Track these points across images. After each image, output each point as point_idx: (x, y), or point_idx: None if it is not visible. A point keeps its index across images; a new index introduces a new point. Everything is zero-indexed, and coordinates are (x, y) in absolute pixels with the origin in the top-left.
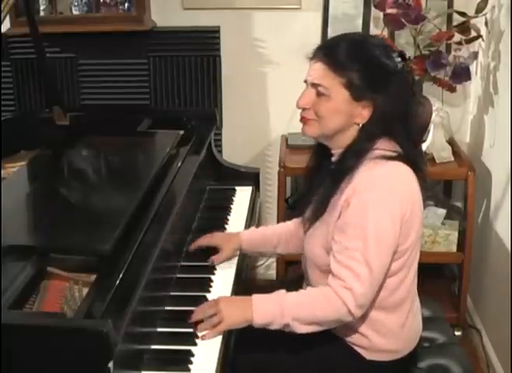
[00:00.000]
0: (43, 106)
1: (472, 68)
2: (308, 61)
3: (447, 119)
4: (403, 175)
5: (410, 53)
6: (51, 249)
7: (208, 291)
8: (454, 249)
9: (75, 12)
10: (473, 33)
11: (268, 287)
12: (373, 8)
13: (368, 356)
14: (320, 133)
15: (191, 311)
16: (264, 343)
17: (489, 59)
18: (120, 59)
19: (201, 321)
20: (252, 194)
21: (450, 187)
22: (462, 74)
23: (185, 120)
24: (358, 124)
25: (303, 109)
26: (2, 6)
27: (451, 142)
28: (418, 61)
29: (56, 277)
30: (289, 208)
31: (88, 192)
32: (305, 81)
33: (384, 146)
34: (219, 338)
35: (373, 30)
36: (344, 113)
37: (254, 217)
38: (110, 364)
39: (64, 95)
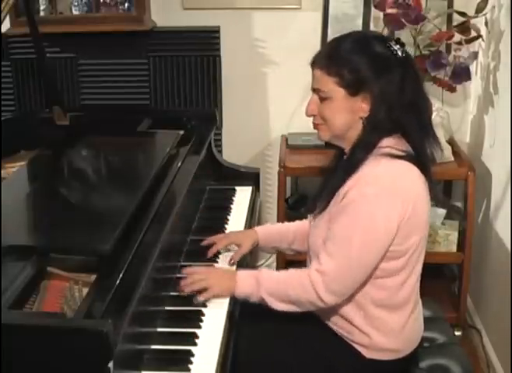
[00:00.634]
0: (43, 106)
1: (472, 68)
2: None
3: (447, 119)
4: (407, 175)
5: (410, 53)
6: (51, 249)
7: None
8: (454, 249)
9: (75, 12)
10: (473, 33)
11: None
12: (373, 8)
13: (368, 355)
14: (331, 135)
15: (191, 312)
16: (265, 342)
17: (489, 59)
18: (120, 59)
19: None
20: (252, 194)
21: (450, 187)
22: (462, 74)
23: (185, 120)
24: (362, 118)
25: (313, 117)
26: (2, 6)
27: (451, 142)
28: (418, 60)
29: (56, 277)
30: (289, 208)
31: (88, 192)
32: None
33: (392, 144)
34: (219, 338)
35: (373, 30)
36: (346, 111)
37: (254, 217)
38: (110, 364)
39: (64, 95)
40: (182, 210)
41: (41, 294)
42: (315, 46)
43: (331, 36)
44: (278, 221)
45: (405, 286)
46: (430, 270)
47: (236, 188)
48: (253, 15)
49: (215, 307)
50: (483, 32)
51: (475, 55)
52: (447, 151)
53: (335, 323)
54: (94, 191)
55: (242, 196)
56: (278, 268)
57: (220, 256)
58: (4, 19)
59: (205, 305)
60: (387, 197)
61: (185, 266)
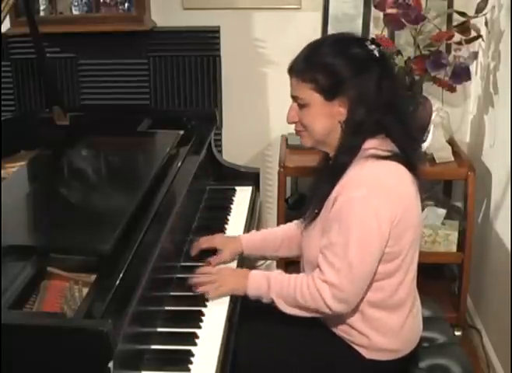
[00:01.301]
0: (43, 106)
1: (472, 68)
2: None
3: (447, 119)
4: (394, 175)
5: (410, 53)
6: (51, 249)
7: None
8: (454, 249)
9: (75, 12)
10: (473, 33)
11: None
12: (373, 8)
13: (368, 355)
14: (313, 141)
15: (191, 312)
16: (265, 342)
17: (489, 59)
18: (120, 59)
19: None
20: (252, 194)
21: (450, 187)
22: (462, 74)
23: (185, 120)
24: (340, 122)
25: (295, 124)
26: (2, 6)
27: (451, 142)
28: (418, 60)
29: (56, 277)
30: (289, 208)
31: (88, 192)
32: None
33: (377, 145)
34: (219, 338)
35: (373, 30)
36: (324, 116)
37: (254, 217)
38: (110, 364)
39: (64, 95)
40: (182, 210)
41: (41, 294)
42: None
43: None
44: (279, 221)
45: (401, 287)
46: (430, 270)
47: (236, 188)
48: (253, 15)
49: (215, 307)
50: (483, 32)
51: (475, 55)
52: (447, 151)
53: (334, 325)
54: (94, 191)
55: (242, 196)
56: (278, 268)
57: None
58: (4, 19)
59: (205, 305)
60: (376, 199)
61: (185, 266)
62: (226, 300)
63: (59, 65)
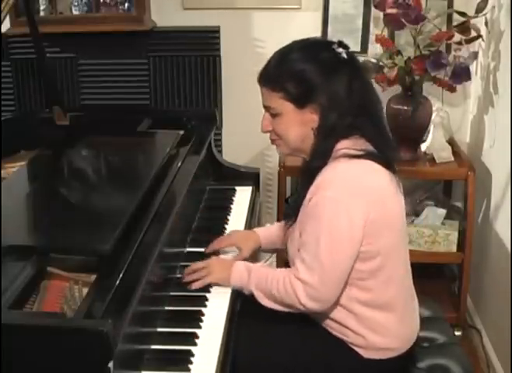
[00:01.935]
0: (43, 106)
1: (472, 68)
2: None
3: (447, 119)
4: (368, 173)
5: (410, 53)
6: (51, 249)
7: (209, 291)
8: (454, 249)
9: (75, 12)
10: (473, 33)
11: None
12: (373, 8)
13: (366, 355)
14: (289, 148)
15: (191, 312)
16: (265, 342)
17: (489, 59)
18: (120, 59)
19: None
20: (252, 194)
21: (450, 187)
22: (462, 74)
23: (185, 120)
24: (313, 129)
25: (269, 133)
26: (2, 6)
27: (451, 142)
28: (418, 60)
29: (56, 277)
30: None
31: (88, 192)
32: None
33: (349, 145)
34: (219, 338)
35: (373, 30)
36: (297, 124)
37: (254, 217)
38: (110, 364)
39: (64, 95)
40: (182, 210)
41: (41, 294)
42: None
43: (331, 36)
44: (279, 221)
45: (390, 285)
46: (430, 270)
47: (236, 188)
48: (253, 15)
49: (215, 307)
50: (483, 32)
51: (475, 55)
52: (447, 151)
53: (330, 326)
54: (94, 191)
55: (242, 196)
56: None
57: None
58: (4, 19)
59: (205, 305)
60: (348, 198)
61: (185, 266)
62: (226, 300)
63: (59, 65)
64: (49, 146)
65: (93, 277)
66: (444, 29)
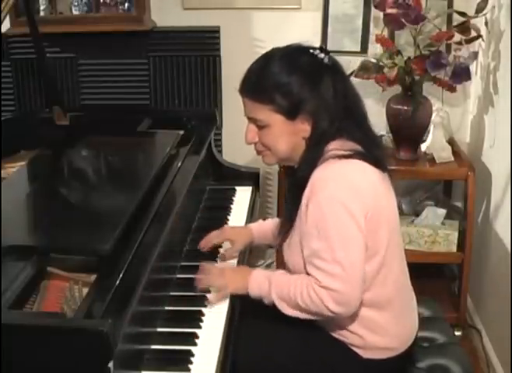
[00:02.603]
0: (43, 106)
1: (472, 68)
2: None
3: (447, 119)
4: (358, 170)
5: (410, 53)
6: (51, 249)
7: (209, 291)
8: (454, 249)
9: (75, 12)
10: (473, 33)
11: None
12: (373, 8)
13: (364, 355)
14: (276, 159)
15: (191, 312)
16: (263, 344)
17: (489, 59)
18: (120, 59)
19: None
20: (252, 194)
21: (450, 187)
22: (462, 74)
23: (185, 120)
24: (305, 138)
25: (254, 144)
26: (2, 6)
27: (451, 142)
28: (418, 60)
29: (56, 277)
30: None
31: (88, 192)
32: (245, 115)
33: (338, 146)
34: (219, 338)
35: (373, 30)
36: (287, 135)
37: (254, 218)
38: (110, 364)
39: (64, 95)
40: (182, 210)
41: (41, 294)
42: (315, 46)
43: (331, 36)
44: None
45: (387, 284)
46: (430, 270)
47: (236, 188)
48: (253, 15)
49: (215, 307)
50: (483, 32)
51: (475, 55)
52: (447, 151)
53: (329, 327)
54: (94, 191)
55: (242, 196)
56: (277, 268)
57: (219, 254)
58: (4, 19)
59: (205, 305)
60: (341, 193)
61: (185, 266)
62: (226, 300)
63: (59, 65)
64: (49, 146)
65: (93, 277)
66: (444, 29)
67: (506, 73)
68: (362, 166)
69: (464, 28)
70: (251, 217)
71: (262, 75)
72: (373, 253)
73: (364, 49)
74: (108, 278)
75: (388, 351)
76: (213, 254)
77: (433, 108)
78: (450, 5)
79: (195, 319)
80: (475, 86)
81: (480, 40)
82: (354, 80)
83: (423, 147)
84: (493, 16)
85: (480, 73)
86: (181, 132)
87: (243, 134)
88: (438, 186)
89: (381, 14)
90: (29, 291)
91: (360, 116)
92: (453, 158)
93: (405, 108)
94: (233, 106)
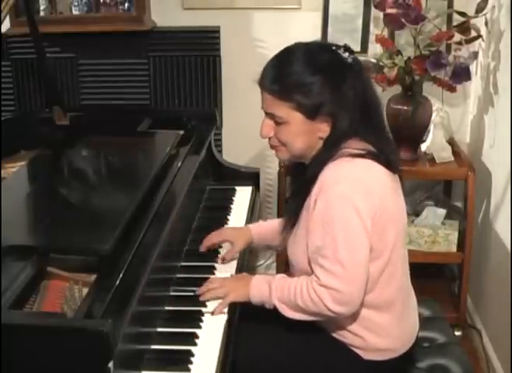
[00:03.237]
0: (43, 106)
1: (472, 68)
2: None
3: (447, 119)
4: (370, 171)
5: (410, 53)
6: (51, 249)
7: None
8: (454, 249)
9: (75, 12)
10: (473, 33)
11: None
12: (373, 8)
13: (365, 356)
14: (290, 155)
15: (191, 312)
16: (263, 344)
17: (489, 59)
18: (120, 59)
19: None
20: (252, 194)
21: (450, 187)
22: (462, 74)
23: (185, 120)
24: (322, 138)
25: (269, 138)
26: (2, 6)
27: (451, 142)
28: (418, 60)
29: (56, 277)
30: None
31: (88, 192)
32: (262, 108)
33: (351, 145)
34: (219, 338)
35: (373, 30)
36: (305, 133)
37: (254, 218)
38: (110, 364)
39: (64, 95)
40: (182, 210)
41: (41, 294)
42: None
43: (331, 36)
44: None
45: (390, 285)
46: (430, 270)
47: (236, 188)
48: (253, 15)
49: (215, 307)
50: (483, 32)
51: (475, 55)
52: (447, 151)
53: (329, 328)
54: (94, 191)
55: (242, 196)
56: (278, 268)
57: (220, 255)
58: (4, 19)
59: (205, 305)
60: (353, 194)
61: (185, 266)
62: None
63: (59, 65)
64: (49, 146)
65: (93, 277)
66: (444, 29)
67: (506, 73)
68: (373, 166)
69: (464, 28)
70: (251, 217)
71: (284, 73)
72: (377, 255)
73: (364, 49)
74: (108, 278)
75: (389, 352)
76: (213, 255)
77: (433, 108)
78: (450, 5)
79: (195, 319)
80: (475, 86)
81: (480, 40)
82: None
83: (423, 147)
84: (493, 16)
85: (480, 73)
86: (181, 132)
87: (243, 134)
88: (438, 186)
89: (381, 14)
90: (29, 291)
91: (377, 117)
92: (453, 158)
93: (405, 108)
94: (233, 106)
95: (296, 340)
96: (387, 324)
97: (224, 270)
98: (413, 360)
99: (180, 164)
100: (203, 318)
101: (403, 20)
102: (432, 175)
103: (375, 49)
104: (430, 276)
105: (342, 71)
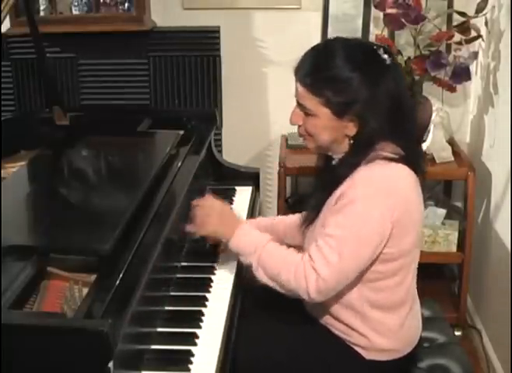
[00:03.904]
0: (43, 106)
1: (472, 68)
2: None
3: (447, 119)
4: (403, 178)
5: (410, 53)
6: (51, 249)
7: (208, 291)
8: (454, 249)
9: (75, 12)
10: (473, 33)
11: (268, 286)
12: (373, 8)
13: (367, 356)
14: (316, 146)
15: (191, 312)
16: (264, 343)
17: (489, 59)
18: (120, 59)
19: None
20: (252, 194)
21: (450, 187)
22: (462, 74)
23: (185, 120)
24: (348, 136)
25: (298, 126)
26: (2, 6)
27: (451, 142)
28: (418, 60)
29: (56, 277)
30: (289, 208)
31: (88, 192)
32: (295, 96)
33: (385, 148)
34: (219, 338)
35: (373, 30)
36: (331, 129)
37: (253, 217)
38: (110, 364)
39: (64, 95)
40: (182, 210)
41: (41, 294)
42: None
43: (331, 36)
44: None
45: (401, 287)
46: (430, 270)
47: (236, 188)
48: (253, 15)
49: (215, 307)
50: (483, 32)
51: (475, 55)
52: (447, 151)
53: (333, 326)
54: (94, 191)
55: (242, 196)
56: None
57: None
58: (4, 19)
59: (205, 305)
60: (382, 198)
61: (185, 266)
62: (226, 300)
63: (59, 65)
64: (49, 146)
65: (93, 277)
66: (444, 29)
67: (506, 73)
68: (405, 171)
69: (464, 28)
70: (251, 217)
71: (320, 67)
72: (394, 257)
73: None
74: (108, 278)
75: (392, 353)
76: (213, 254)
77: (433, 108)
78: (450, 5)
79: (195, 319)
80: (475, 86)
81: (480, 40)
82: None
83: (423, 147)
84: (493, 16)
85: (480, 73)
86: (181, 132)
87: (243, 134)
88: (438, 186)
89: (381, 14)
90: (29, 291)
91: (409, 121)
92: (453, 158)
93: None
94: (233, 106)
95: (296, 339)
96: (394, 325)
97: (224, 270)
98: (414, 360)
99: (180, 164)
100: (203, 318)
101: (403, 20)
102: (432, 175)
103: None
104: (430, 276)
105: (380, 73)
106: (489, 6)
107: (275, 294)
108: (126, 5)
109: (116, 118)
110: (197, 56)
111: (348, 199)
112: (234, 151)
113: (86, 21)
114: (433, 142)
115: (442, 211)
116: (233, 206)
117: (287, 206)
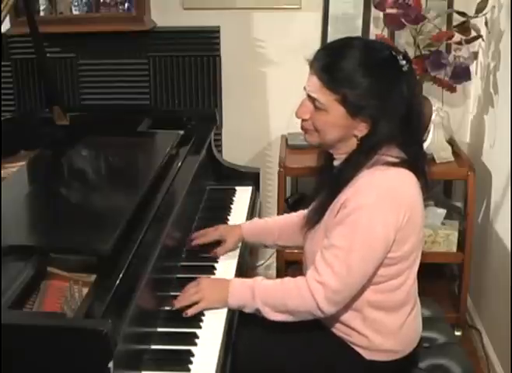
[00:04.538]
0: (43, 106)
1: (472, 68)
2: (307, 63)
3: (447, 119)
4: (404, 182)
5: (410, 53)
6: (51, 249)
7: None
8: (454, 249)
9: (75, 12)
10: (473, 33)
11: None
12: (373, 8)
13: (368, 356)
14: (320, 142)
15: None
16: (264, 344)
17: (489, 59)
18: (120, 59)
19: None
20: (252, 194)
21: (450, 187)
22: (462, 74)
23: (185, 120)
24: (357, 137)
25: (303, 120)
26: (2, 6)
27: (451, 142)
28: (418, 60)
29: (56, 277)
30: (289, 208)
31: (88, 192)
32: (304, 88)
33: (388, 152)
34: (219, 338)
35: (373, 30)
36: (341, 127)
37: (254, 218)
38: (110, 364)
39: (64, 95)
40: (182, 210)
41: (41, 294)
42: (315, 46)
43: (331, 36)
44: None
45: (403, 288)
46: (430, 270)
47: (236, 188)
48: (253, 15)
49: (215, 307)
50: (483, 32)
51: (475, 55)
52: (447, 151)
53: (334, 326)
54: (94, 191)
55: (242, 196)
56: (278, 268)
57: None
58: (4, 19)
59: None
60: (385, 205)
61: (185, 266)
62: None
63: (59, 65)
64: (49, 146)
65: (93, 277)
66: (444, 29)
67: (506, 73)
68: (406, 176)
69: (464, 28)
70: (251, 217)
71: (339, 64)
72: (396, 261)
73: None
74: (108, 278)
75: (392, 354)
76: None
77: (433, 108)
78: (450, 5)
79: (195, 319)
80: (475, 86)
81: (480, 40)
82: None
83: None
84: (493, 16)
85: (480, 73)
86: (181, 132)
87: (243, 134)
88: (438, 186)
89: (381, 14)
90: (29, 291)
91: (418, 128)
92: (453, 158)
93: None
94: (233, 106)
95: (296, 339)
96: (395, 326)
97: (224, 270)
98: (414, 360)
99: (180, 164)
100: (203, 318)
101: (403, 20)
102: (432, 175)
103: None
104: (430, 276)
105: (396, 78)
106: (489, 6)
107: None
108: (126, 5)
109: (116, 118)
110: (197, 56)
111: (352, 208)
112: (234, 151)
113: (86, 21)
114: (433, 142)
115: (442, 211)
116: (232, 206)
117: (287, 206)
